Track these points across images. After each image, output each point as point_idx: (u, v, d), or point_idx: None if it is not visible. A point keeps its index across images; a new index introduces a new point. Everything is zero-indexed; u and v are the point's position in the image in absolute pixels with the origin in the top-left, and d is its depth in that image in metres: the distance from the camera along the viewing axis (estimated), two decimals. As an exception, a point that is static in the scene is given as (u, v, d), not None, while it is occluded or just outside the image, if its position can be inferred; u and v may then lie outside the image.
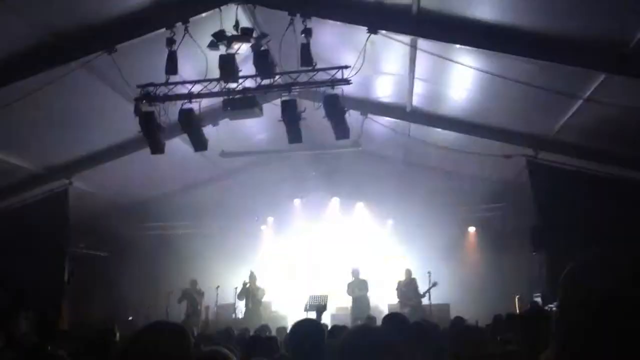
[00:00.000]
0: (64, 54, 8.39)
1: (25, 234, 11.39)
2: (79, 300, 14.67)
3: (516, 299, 13.91)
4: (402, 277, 14.53)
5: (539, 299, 13.17)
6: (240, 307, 14.93)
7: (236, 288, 14.82)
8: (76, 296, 13.99)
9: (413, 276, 14.36)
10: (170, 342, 2.46)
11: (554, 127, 10.20)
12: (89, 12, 8.06)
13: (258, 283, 15.08)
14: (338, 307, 14.90)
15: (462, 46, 8.27)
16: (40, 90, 8.80)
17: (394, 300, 14.82)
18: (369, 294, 14.58)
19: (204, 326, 13.88)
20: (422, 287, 14.06)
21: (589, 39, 7.28)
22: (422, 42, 8.56)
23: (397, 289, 14.40)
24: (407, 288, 14.24)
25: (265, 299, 15.68)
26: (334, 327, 7.53)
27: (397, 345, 2.40)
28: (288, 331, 4.91)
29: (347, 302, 14.88)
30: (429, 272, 13.96)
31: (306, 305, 13.67)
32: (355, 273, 14.94)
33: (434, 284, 13.67)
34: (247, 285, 14.80)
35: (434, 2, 7.64)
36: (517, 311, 12.96)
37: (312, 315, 12.40)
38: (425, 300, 13.83)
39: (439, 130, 11.81)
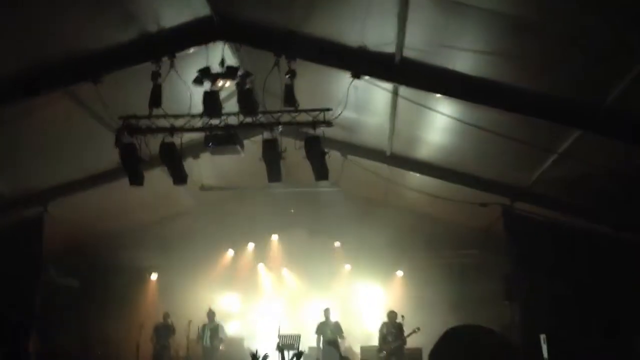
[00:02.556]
0: (49, 83, 8.44)
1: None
2: (49, 330, 14.41)
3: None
4: (385, 319, 14.11)
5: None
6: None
7: (198, 327, 14.69)
8: (45, 326, 13.75)
9: (398, 320, 13.88)
10: None
11: (530, 178, 10.37)
12: (76, 42, 8.13)
13: (219, 319, 15.17)
14: (310, 346, 14.75)
15: (441, 96, 8.46)
16: (23, 117, 8.85)
17: (366, 342, 14.74)
18: (343, 336, 14.49)
19: None
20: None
21: (565, 97, 7.52)
22: (403, 89, 8.73)
23: (379, 331, 14.04)
24: (389, 330, 13.87)
25: (238, 334, 15.60)
26: None
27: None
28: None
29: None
30: (402, 316, 13.90)
31: (278, 344, 13.53)
32: (327, 312, 14.85)
33: (417, 329, 13.31)
34: (204, 325, 14.76)
35: (416, 53, 7.84)
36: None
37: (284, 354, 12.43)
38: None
39: (418, 175, 11.95)
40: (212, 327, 14.81)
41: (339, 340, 14.09)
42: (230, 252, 16.81)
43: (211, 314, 15.04)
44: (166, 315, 15.00)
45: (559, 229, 10.98)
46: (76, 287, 15.76)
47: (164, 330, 14.76)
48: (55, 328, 14.55)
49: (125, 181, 9.79)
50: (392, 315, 14.09)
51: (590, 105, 7.43)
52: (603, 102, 7.21)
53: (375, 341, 14.48)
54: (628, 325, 9.87)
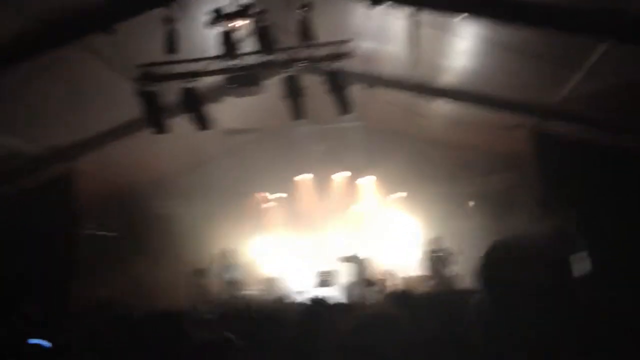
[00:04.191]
0: (62, 37, 8.33)
1: (30, 219, 11.35)
2: (90, 282, 14.78)
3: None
4: (430, 247, 14.12)
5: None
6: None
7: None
8: (86, 278, 14.11)
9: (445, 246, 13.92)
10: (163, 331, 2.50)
11: (557, 97, 10.10)
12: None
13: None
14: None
15: (464, 17, 8.18)
16: (43, 74, 8.82)
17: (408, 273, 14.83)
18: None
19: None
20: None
21: (589, 8, 7.23)
22: (424, 15, 8.47)
23: (429, 259, 14.00)
24: (437, 257, 13.84)
25: (276, 275, 15.80)
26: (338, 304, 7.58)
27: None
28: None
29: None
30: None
31: (316, 282, 13.79)
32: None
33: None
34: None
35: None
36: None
37: (322, 291, 12.68)
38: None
39: (442, 102, 11.75)
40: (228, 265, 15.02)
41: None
42: (259, 196, 16.88)
43: (226, 254, 15.22)
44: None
45: (592, 148, 10.73)
46: (115, 237, 16.07)
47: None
48: (97, 278, 14.95)
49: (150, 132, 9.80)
50: (438, 241, 14.10)
51: (616, 14, 7.14)
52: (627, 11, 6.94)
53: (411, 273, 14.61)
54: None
